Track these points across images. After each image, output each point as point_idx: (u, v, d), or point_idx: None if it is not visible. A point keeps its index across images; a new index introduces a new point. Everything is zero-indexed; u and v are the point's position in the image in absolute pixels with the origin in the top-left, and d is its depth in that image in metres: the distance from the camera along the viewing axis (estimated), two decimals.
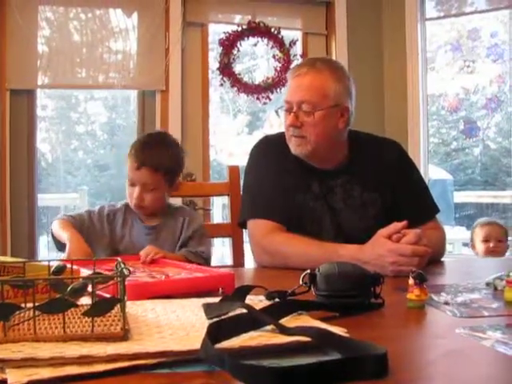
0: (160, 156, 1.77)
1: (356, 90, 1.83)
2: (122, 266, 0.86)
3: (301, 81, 1.76)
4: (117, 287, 0.82)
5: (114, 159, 5.58)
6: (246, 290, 1.04)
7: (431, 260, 1.55)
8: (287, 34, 3.95)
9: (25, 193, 3.46)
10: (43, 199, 4.12)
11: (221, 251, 4.28)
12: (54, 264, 0.97)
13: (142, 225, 1.83)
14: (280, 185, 1.80)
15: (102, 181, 5.62)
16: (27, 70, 3.42)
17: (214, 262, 2.04)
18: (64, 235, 1.68)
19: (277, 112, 1.86)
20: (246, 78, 3.89)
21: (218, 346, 0.72)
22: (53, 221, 1.79)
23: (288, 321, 0.88)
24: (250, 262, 1.97)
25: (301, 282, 1.08)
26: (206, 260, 1.76)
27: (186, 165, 1.89)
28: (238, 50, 3.83)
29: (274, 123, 4.24)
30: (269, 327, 0.82)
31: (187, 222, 1.84)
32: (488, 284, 1.24)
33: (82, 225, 1.78)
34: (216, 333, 0.73)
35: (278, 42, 3.88)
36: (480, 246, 3.24)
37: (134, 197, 1.76)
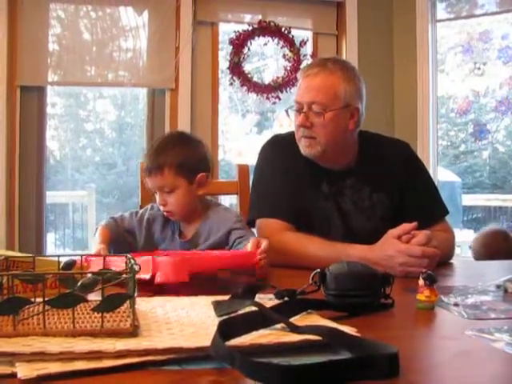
0: (165, 156, 1.68)
1: (366, 91, 1.82)
2: (132, 262, 0.86)
3: (311, 81, 1.75)
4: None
5: (122, 157, 5.59)
6: (255, 288, 1.04)
7: (440, 262, 1.54)
8: (297, 34, 3.94)
9: (33, 190, 3.48)
10: (51, 196, 4.13)
11: None
12: (63, 260, 0.98)
13: (178, 240, 1.75)
14: (289, 184, 1.80)
15: (110, 179, 5.62)
16: (38, 67, 3.43)
17: None
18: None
19: (287, 112, 1.85)
20: (255, 78, 3.89)
21: (228, 343, 0.72)
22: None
23: (297, 320, 0.88)
24: None
25: (310, 281, 1.08)
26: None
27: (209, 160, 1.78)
28: (248, 50, 3.83)
29: (284, 123, 4.23)
30: (279, 325, 0.81)
31: (224, 231, 1.70)
32: (498, 286, 1.24)
33: (117, 227, 1.74)
34: (226, 330, 0.72)
35: (288, 41, 3.87)
36: None
37: (158, 203, 1.72)
